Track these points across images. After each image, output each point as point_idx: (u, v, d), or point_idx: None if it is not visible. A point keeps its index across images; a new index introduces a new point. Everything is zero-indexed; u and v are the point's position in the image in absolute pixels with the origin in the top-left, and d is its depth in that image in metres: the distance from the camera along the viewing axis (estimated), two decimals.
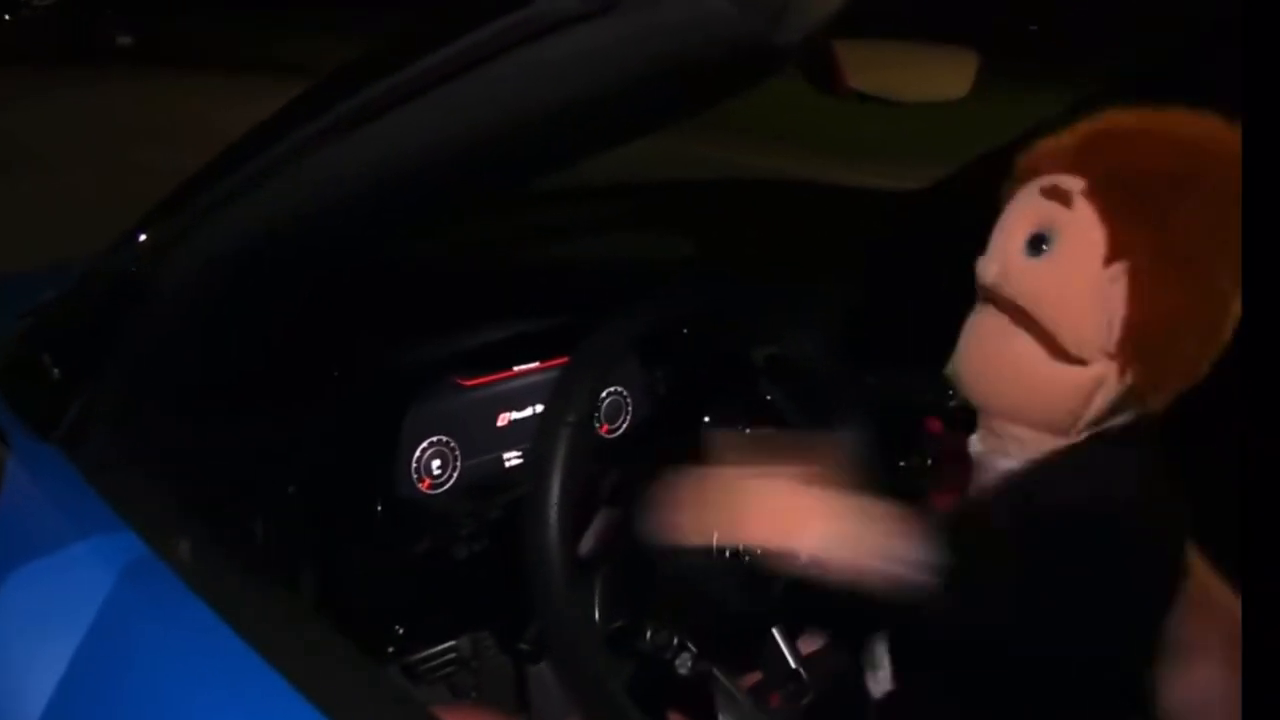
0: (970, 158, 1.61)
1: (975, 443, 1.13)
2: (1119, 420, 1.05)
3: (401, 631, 1.25)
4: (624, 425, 1.42)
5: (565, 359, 1.30)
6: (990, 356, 1.07)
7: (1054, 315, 1.00)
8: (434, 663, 1.33)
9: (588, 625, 1.09)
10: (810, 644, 1.30)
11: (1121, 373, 0.99)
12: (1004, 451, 1.09)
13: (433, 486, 1.27)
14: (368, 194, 0.85)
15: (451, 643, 1.33)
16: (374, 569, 1.23)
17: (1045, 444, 1.06)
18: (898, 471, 1.33)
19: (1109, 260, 0.97)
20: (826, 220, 1.66)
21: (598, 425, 1.39)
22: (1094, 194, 0.99)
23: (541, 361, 1.35)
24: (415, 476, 1.25)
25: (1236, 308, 0.97)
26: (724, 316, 1.26)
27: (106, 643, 0.88)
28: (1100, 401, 1.01)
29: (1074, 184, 1.01)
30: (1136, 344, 0.98)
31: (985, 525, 1.04)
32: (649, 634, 1.13)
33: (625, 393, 1.42)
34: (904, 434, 1.34)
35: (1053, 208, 1.01)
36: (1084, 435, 1.05)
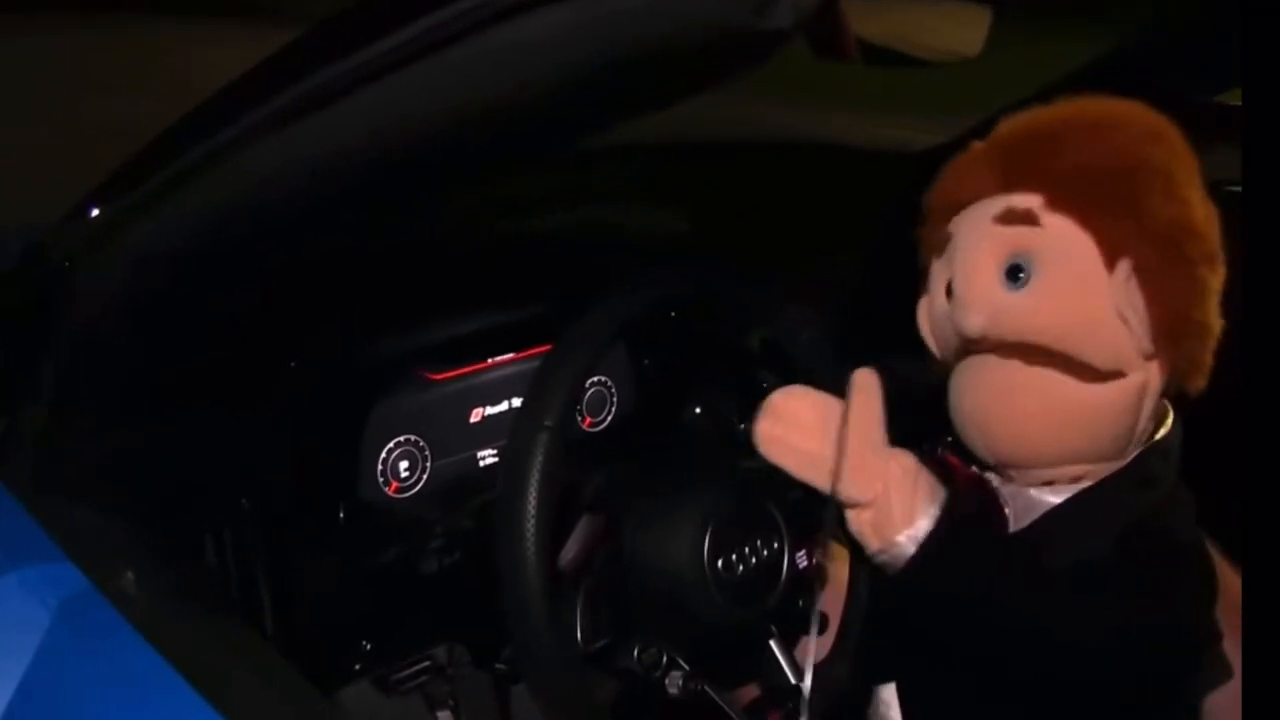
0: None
1: (997, 475, 1.10)
2: (1164, 432, 1.04)
3: (369, 647, 1.22)
4: (608, 418, 1.39)
5: (543, 347, 1.27)
6: (1014, 407, 1.02)
7: (1074, 339, 0.97)
8: (407, 672, 1.30)
9: (568, 646, 1.06)
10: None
11: (1163, 369, 0.99)
12: (1045, 485, 1.06)
13: (400, 490, 1.23)
14: (325, 180, 0.81)
15: (425, 653, 1.30)
16: (337, 582, 1.19)
17: (1099, 472, 1.03)
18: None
19: (1111, 263, 0.95)
20: (832, 186, 1.61)
21: (580, 419, 1.36)
22: (1060, 204, 0.97)
23: (517, 351, 1.31)
24: (381, 480, 1.22)
25: (1215, 281, 0.97)
26: (718, 298, 1.23)
27: (42, 691, 0.84)
28: (1149, 408, 1.00)
29: (1031, 200, 0.99)
30: (1170, 334, 0.97)
31: (1047, 569, 1.02)
32: (636, 652, 1.10)
33: (610, 383, 1.38)
34: (917, 424, 1.31)
35: (1019, 232, 0.99)
36: (1135, 453, 1.03)
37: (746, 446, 1.31)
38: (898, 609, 1.10)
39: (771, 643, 1.23)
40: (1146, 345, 0.96)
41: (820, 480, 1.04)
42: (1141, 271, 0.95)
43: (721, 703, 1.13)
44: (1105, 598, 0.98)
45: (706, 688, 1.12)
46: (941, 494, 1.03)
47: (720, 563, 1.12)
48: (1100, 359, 0.97)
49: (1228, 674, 1.08)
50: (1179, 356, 0.98)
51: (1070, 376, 0.98)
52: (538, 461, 1.00)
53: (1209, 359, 0.99)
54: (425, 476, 1.25)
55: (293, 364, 1.19)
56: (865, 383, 1.05)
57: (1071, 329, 0.97)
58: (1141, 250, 0.95)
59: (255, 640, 0.97)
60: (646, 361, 1.41)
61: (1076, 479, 1.03)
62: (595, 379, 1.37)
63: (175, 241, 0.90)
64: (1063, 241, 0.97)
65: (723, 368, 1.43)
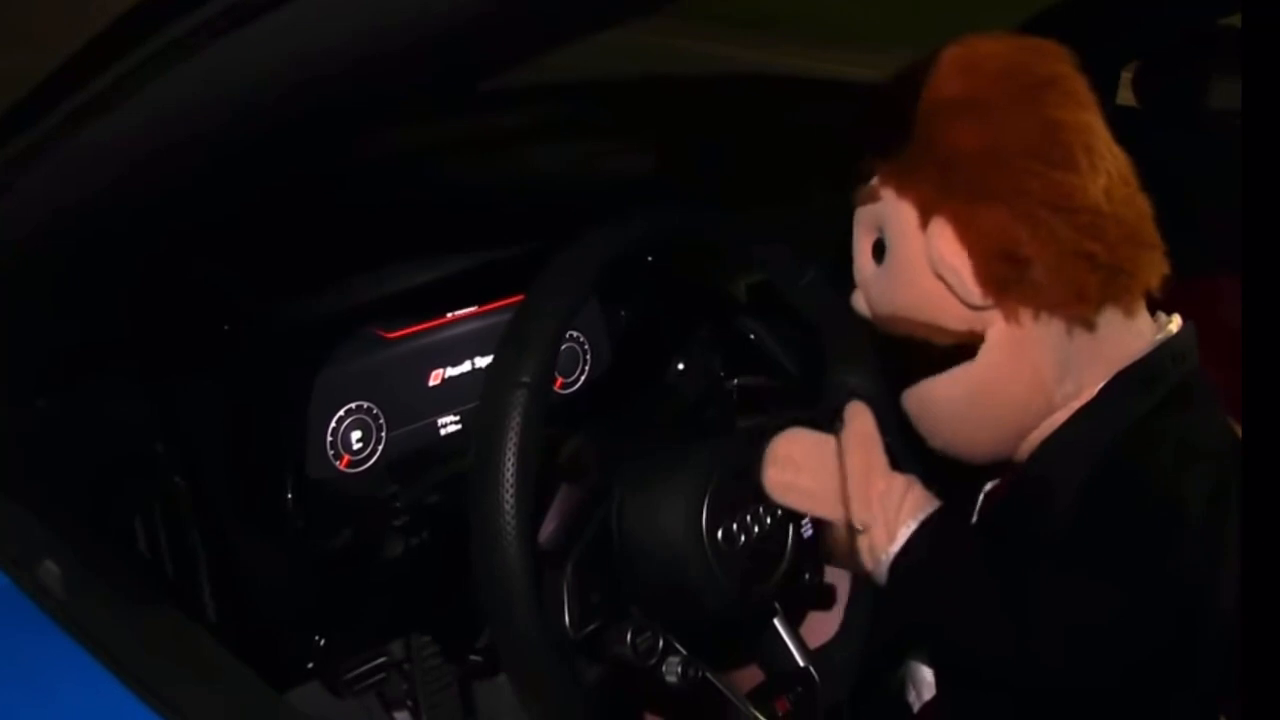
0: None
1: None
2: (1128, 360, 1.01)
3: (323, 643, 1.15)
4: (581, 378, 1.32)
5: (509, 300, 1.21)
6: (931, 424, 1.07)
7: (915, 306, 1.02)
8: (360, 670, 1.24)
9: (556, 632, 1.00)
10: (819, 635, 1.22)
11: (1024, 313, 0.98)
12: None
13: (353, 464, 1.16)
14: (244, 114, 0.73)
15: (380, 649, 1.24)
16: (286, 570, 1.13)
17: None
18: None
19: (924, 221, 0.98)
20: (821, 121, 1.56)
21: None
22: (885, 173, 1.02)
23: (480, 305, 1.25)
24: (332, 453, 1.15)
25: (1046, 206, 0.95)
26: (714, 238, 1.17)
27: None
28: (1045, 355, 0.99)
29: (875, 174, 1.04)
30: (996, 278, 0.97)
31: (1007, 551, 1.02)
32: (629, 636, 1.04)
33: (582, 339, 1.32)
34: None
35: (872, 210, 1.04)
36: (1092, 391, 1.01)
37: (738, 403, 1.26)
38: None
39: (775, 621, 1.18)
40: (975, 296, 0.97)
41: (829, 513, 1.09)
42: (954, 221, 0.97)
43: (725, 690, 1.08)
44: (1059, 572, 0.97)
45: (708, 674, 1.07)
46: (930, 508, 1.05)
47: (720, 534, 1.07)
48: (945, 319, 1.00)
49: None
50: (1032, 294, 0.97)
51: (953, 374, 1.02)
52: (515, 424, 0.94)
53: (1077, 283, 0.97)
54: (380, 448, 1.19)
55: (226, 327, 1.12)
56: (857, 413, 1.10)
57: (909, 294, 1.02)
58: (950, 200, 0.97)
59: (199, 634, 0.91)
60: (623, 313, 1.35)
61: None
62: (567, 334, 1.30)
63: (78, 189, 0.83)
64: (892, 210, 1.02)
65: (706, 318, 1.37)
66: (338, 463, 1.16)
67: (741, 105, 1.57)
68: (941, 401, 1.05)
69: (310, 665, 1.17)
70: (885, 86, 1.06)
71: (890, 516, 1.04)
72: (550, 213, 1.25)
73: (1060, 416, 1.02)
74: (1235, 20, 1.84)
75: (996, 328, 0.98)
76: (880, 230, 1.04)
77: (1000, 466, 1.09)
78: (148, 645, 0.84)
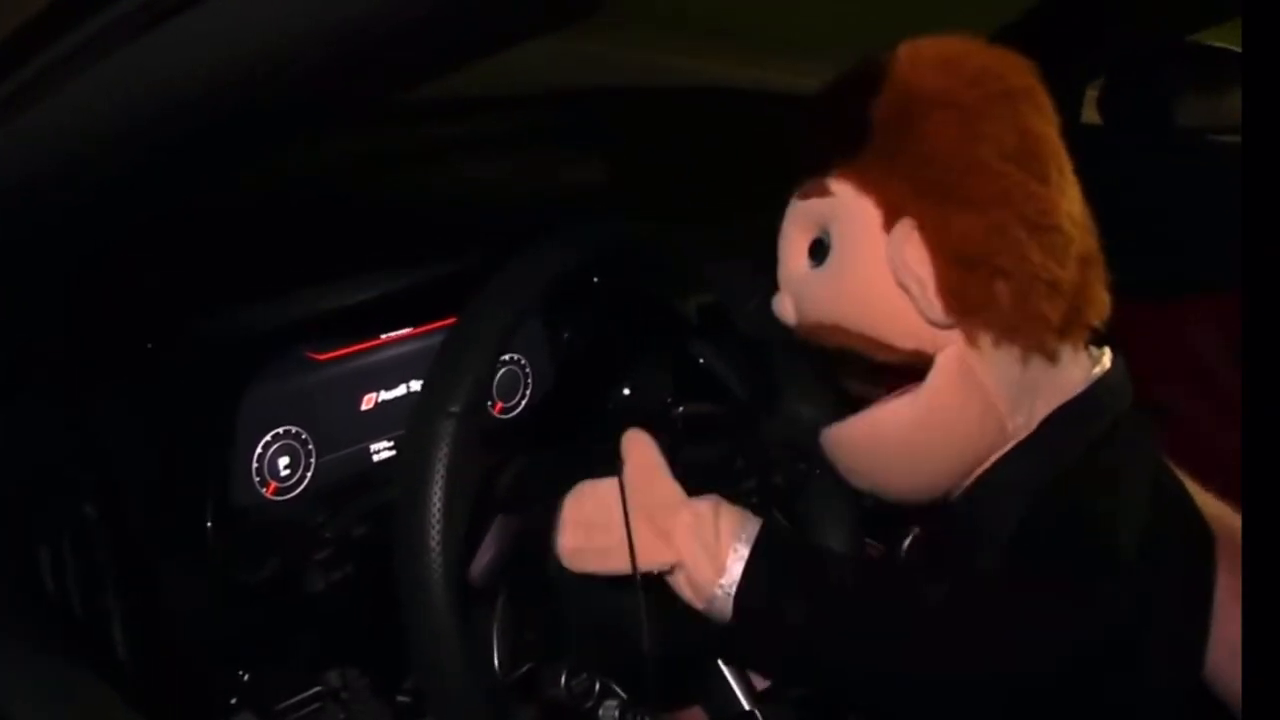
0: None
1: None
2: (1063, 397, 0.98)
3: (247, 678, 1.11)
4: (522, 403, 1.30)
5: (446, 321, 1.18)
6: (884, 448, 1.00)
7: (860, 313, 0.96)
8: (294, 700, 1.20)
9: (484, 675, 0.97)
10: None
11: (981, 333, 0.93)
12: None
13: (280, 492, 1.13)
14: (153, 125, 0.70)
15: (315, 688, 1.20)
16: (206, 603, 1.08)
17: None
18: None
19: (889, 224, 0.93)
20: (773, 136, 1.54)
21: (490, 404, 1.26)
22: (842, 167, 0.96)
23: (415, 326, 1.22)
24: (257, 479, 1.11)
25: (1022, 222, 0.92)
26: (656, 259, 1.14)
27: None
28: (998, 383, 0.95)
29: (824, 169, 0.98)
30: (959, 291, 0.92)
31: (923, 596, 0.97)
32: (564, 678, 1.01)
33: (523, 361, 1.29)
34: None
35: (816, 205, 0.98)
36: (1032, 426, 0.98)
37: (685, 432, 1.23)
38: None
39: (720, 661, 1.14)
40: (936, 310, 0.92)
41: (625, 567, 0.99)
42: (923, 227, 0.92)
43: None
44: (989, 621, 0.93)
45: (647, 718, 1.03)
46: (753, 527, 0.99)
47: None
48: (893, 334, 0.94)
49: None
50: (993, 313, 0.93)
51: (897, 400, 0.97)
52: (442, 455, 0.91)
53: (1043, 309, 0.93)
54: (309, 475, 1.16)
55: (149, 345, 1.08)
56: (633, 445, 1.04)
57: (856, 301, 0.96)
58: (920, 202, 0.92)
59: (99, 689, 0.87)
60: (566, 335, 1.32)
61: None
62: (507, 357, 1.27)
63: None
64: (847, 209, 0.96)
65: (655, 340, 1.34)
66: (264, 490, 1.12)
67: (692, 117, 1.54)
68: (888, 431, 0.99)
69: (233, 701, 1.12)
70: (847, 78, 1.00)
71: (708, 545, 0.98)
72: (490, 230, 1.23)
73: (1000, 451, 0.98)
74: (1201, 37, 1.83)
75: (949, 351, 0.94)
76: (822, 229, 0.98)
77: (921, 514, 1.06)
78: (44, 698, 0.80)
